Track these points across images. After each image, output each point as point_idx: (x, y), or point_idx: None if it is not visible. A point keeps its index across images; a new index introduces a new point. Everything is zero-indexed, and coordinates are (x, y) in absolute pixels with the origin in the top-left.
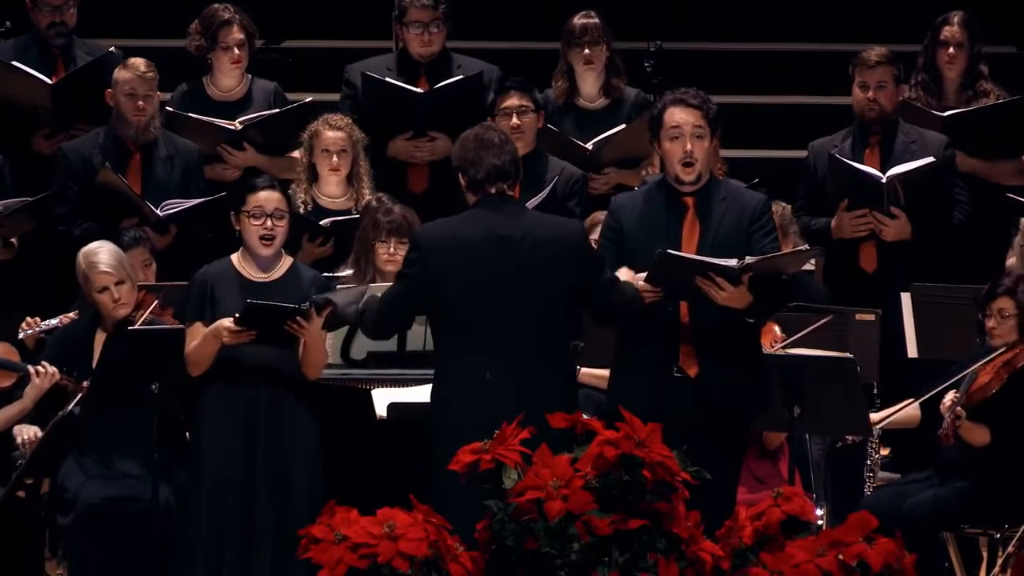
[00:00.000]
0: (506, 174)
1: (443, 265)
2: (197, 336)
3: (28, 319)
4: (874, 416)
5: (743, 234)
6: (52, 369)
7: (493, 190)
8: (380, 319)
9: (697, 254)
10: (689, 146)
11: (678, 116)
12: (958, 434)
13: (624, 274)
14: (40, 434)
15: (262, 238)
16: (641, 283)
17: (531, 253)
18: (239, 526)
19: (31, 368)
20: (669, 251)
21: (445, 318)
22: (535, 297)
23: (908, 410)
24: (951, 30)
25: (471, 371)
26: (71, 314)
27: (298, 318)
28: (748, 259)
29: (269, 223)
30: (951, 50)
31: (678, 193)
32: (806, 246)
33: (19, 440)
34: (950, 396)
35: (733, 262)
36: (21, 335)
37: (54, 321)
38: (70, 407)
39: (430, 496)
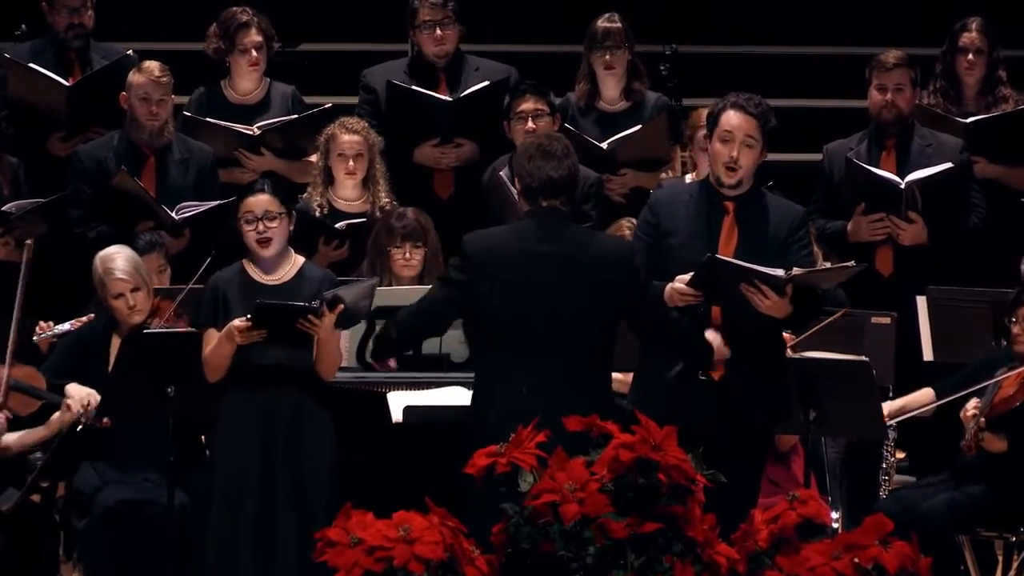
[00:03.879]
0: (560, 188)
1: (485, 276)
2: (212, 341)
3: (41, 323)
4: (889, 405)
5: (779, 244)
6: (76, 406)
7: (545, 203)
8: (416, 324)
9: (735, 259)
10: (735, 152)
11: (734, 120)
12: (980, 445)
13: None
14: (96, 397)
15: (258, 241)
16: (681, 285)
17: (576, 270)
18: (258, 530)
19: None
20: (718, 256)
21: (484, 329)
22: (577, 314)
23: (921, 393)
24: (970, 36)
25: (509, 385)
26: (84, 318)
27: (310, 316)
28: (796, 270)
29: (261, 226)
30: (970, 56)
31: (720, 196)
32: (851, 262)
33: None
34: (972, 405)
35: (780, 272)
36: (35, 338)
37: (67, 325)
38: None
39: (464, 505)
